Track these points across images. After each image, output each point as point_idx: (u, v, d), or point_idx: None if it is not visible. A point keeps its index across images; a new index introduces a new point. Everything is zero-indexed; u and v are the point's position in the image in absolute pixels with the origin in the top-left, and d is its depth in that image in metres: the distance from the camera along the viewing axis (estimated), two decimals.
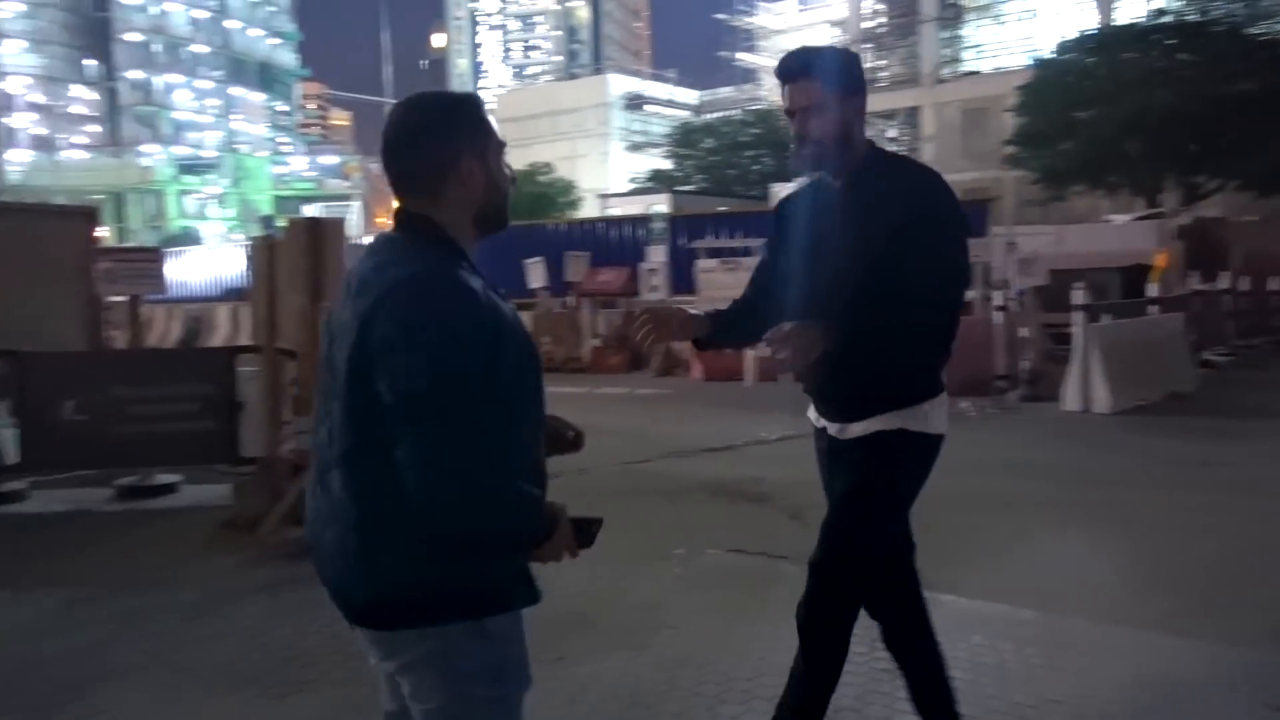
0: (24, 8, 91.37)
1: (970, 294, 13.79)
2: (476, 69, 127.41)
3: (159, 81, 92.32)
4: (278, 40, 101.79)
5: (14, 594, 4.71)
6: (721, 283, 13.82)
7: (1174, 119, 22.94)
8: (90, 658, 3.89)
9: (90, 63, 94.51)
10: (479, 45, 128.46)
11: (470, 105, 1.77)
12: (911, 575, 2.84)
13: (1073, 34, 28.88)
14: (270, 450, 6.05)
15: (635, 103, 73.34)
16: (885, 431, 2.54)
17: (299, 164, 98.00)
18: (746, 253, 15.16)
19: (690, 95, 79.33)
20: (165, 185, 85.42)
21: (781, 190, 29.10)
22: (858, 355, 2.39)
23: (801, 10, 62.81)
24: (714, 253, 16.41)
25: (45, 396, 6.67)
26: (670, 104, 74.93)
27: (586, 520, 1.76)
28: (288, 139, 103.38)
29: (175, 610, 4.37)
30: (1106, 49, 26.16)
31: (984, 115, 37.89)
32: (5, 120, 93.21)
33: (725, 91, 74.24)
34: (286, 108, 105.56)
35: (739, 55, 62.86)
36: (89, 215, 11.25)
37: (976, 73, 43.59)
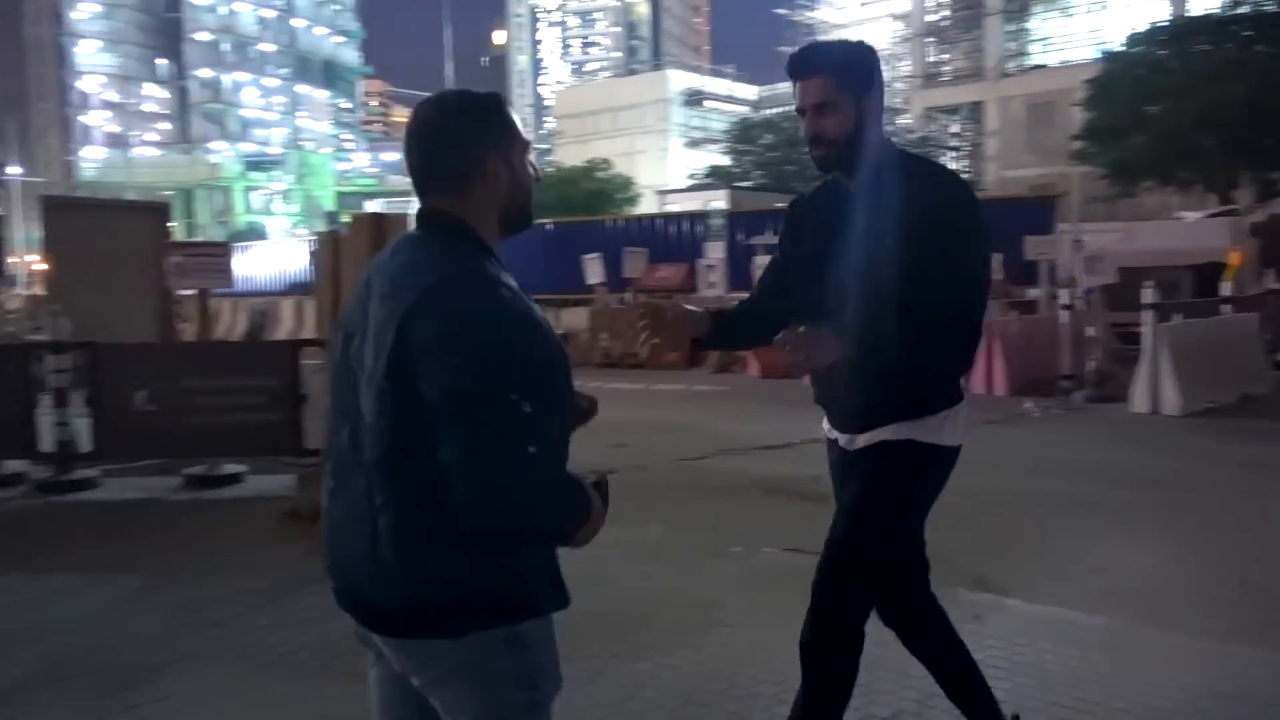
0: (100, 9, 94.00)
1: (1036, 292, 13.58)
2: (536, 66, 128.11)
3: (227, 80, 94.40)
4: (342, 38, 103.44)
5: (87, 579, 4.85)
6: None
7: (1249, 112, 22.29)
8: (158, 643, 3.99)
9: (162, 62, 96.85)
10: (539, 42, 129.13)
11: (495, 105, 1.74)
12: (926, 594, 2.77)
13: (1144, 26, 28.18)
14: None
15: (694, 98, 73.24)
16: (892, 442, 2.44)
17: (361, 160, 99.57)
18: None
19: (749, 91, 78.94)
20: (232, 181, 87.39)
21: None
22: (870, 364, 2.30)
23: (863, 4, 62.19)
24: (772, 249, 16.26)
25: (118, 387, 6.86)
26: (729, 100, 74.68)
27: (601, 484, 1.72)
28: (351, 136, 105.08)
29: (239, 598, 4.46)
30: (1179, 40, 25.50)
31: (1050, 110, 37.18)
32: (81, 118, 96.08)
33: (785, 87, 72.86)
34: (350, 105, 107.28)
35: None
36: (161, 211, 11.57)
37: (1043, 66, 42.73)
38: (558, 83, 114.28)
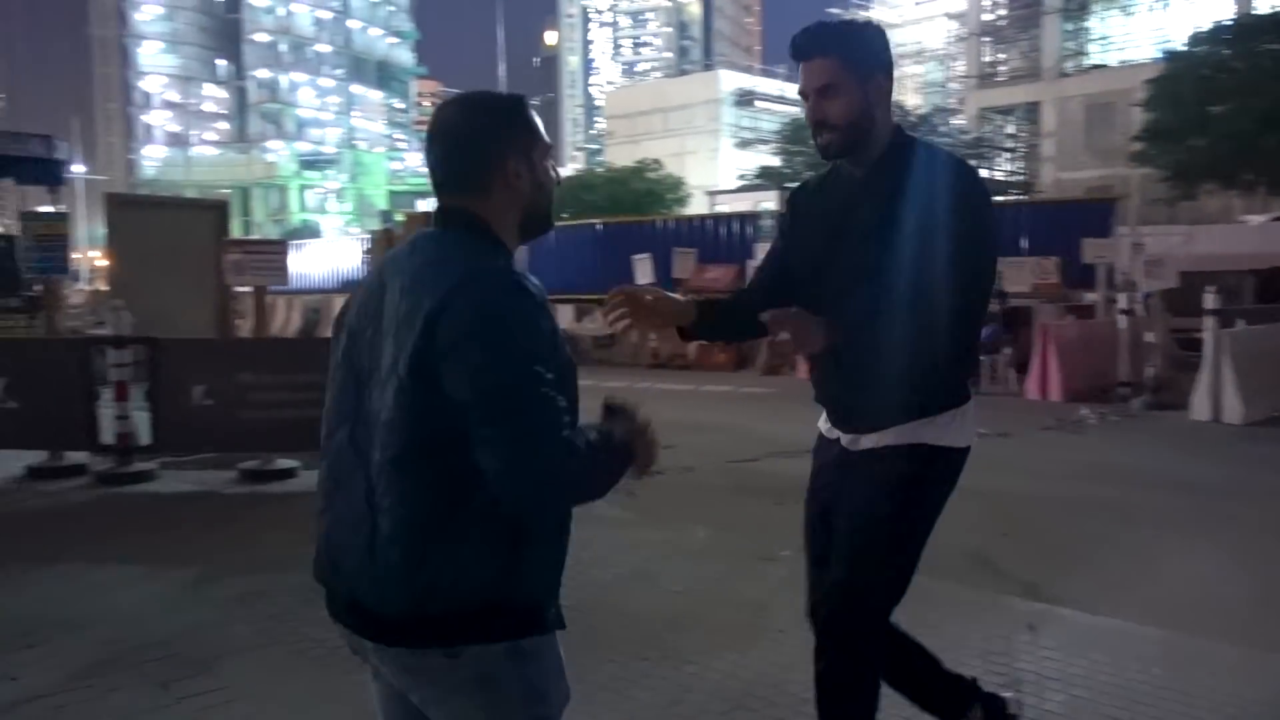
0: (162, 10, 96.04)
1: (1093, 296, 13.33)
2: (587, 66, 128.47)
3: (284, 80, 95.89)
4: (396, 39, 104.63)
5: (145, 569, 4.95)
6: None
7: None
8: (212, 634, 4.06)
9: (221, 62, 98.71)
10: (590, 42, 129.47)
11: (519, 106, 1.73)
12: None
13: (1207, 24, 27.53)
14: None
15: (745, 99, 72.98)
16: (901, 446, 2.30)
17: (414, 160, 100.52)
18: None
19: None
20: (288, 180, 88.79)
21: None
22: (871, 360, 2.22)
23: (918, 4, 61.53)
24: None
25: (177, 382, 7.00)
26: (780, 100, 74.20)
27: (622, 411, 1.69)
28: (404, 135, 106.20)
29: (291, 592, 4.52)
30: (1244, 40, 24.83)
31: (1109, 110, 36.52)
32: (143, 117, 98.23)
33: None
34: (403, 105, 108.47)
35: None
36: (220, 209, 11.78)
37: (1103, 66, 41.95)
38: (609, 83, 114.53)
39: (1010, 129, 43.86)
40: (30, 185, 13.56)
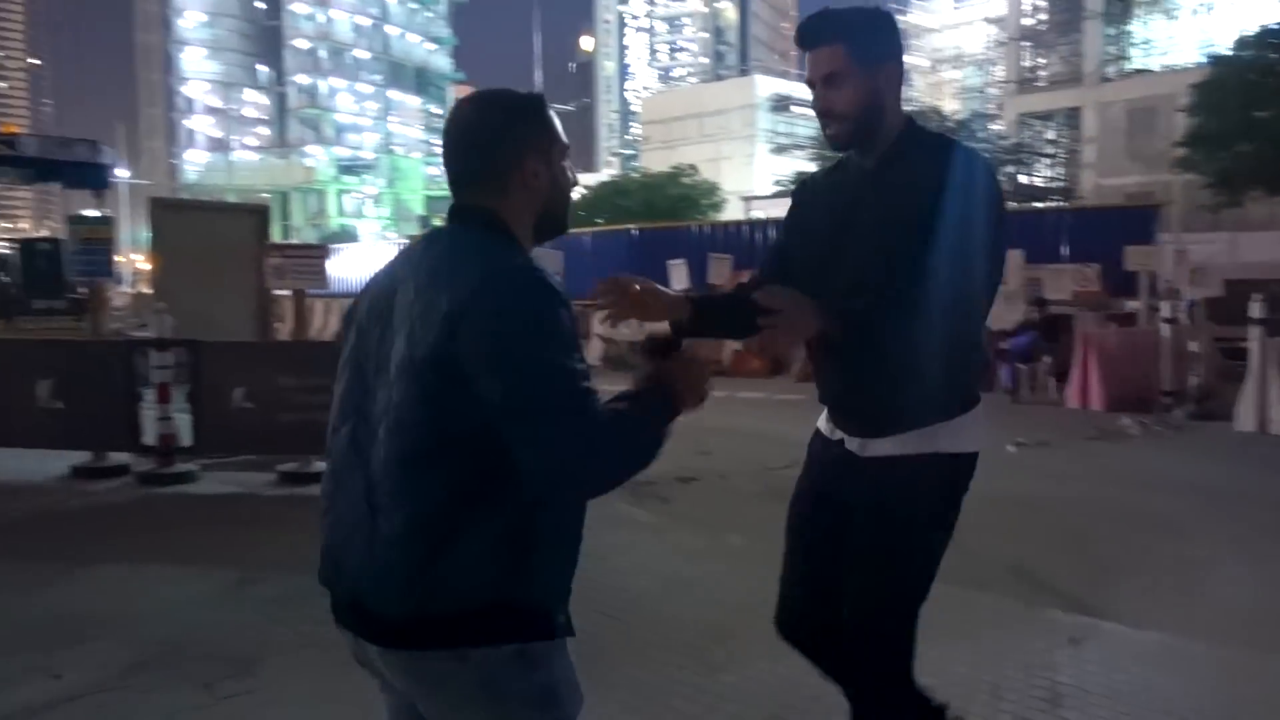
0: (205, 18, 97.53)
1: (1135, 304, 13.14)
2: (623, 71, 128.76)
3: (323, 86, 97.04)
4: (434, 46, 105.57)
5: (186, 570, 5.01)
6: None
7: None
8: (252, 636, 4.09)
9: (262, 68, 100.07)
10: (626, 48, 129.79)
11: (538, 105, 1.70)
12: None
13: (1253, 28, 27.07)
14: None
15: (781, 104, 72.70)
16: (917, 456, 2.20)
17: None
18: None
19: None
20: (326, 185, 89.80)
21: None
22: (881, 360, 2.14)
23: (956, 8, 61.08)
24: None
25: (217, 384, 7.08)
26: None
27: (664, 343, 1.66)
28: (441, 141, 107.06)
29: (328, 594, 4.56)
30: None
31: (1152, 116, 35.99)
32: (185, 122, 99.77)
33: None
34: (440, 111, 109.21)
35: None
36: (262, 213, 11.90)
37: (1145, 71, 41.39)
38: (644, 89, 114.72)
39: (1050, 134, 43.36)
40: (76, 189, 13.82)
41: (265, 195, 66.14)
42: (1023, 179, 37.43)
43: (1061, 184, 39.57)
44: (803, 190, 2.52)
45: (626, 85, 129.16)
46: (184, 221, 10.95)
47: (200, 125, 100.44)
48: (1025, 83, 45.28)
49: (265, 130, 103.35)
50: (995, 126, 41.97)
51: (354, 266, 28.13)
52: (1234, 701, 3.45)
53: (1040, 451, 8.37)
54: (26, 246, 12.84)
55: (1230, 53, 26.35)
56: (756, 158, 65.15)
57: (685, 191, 39.73)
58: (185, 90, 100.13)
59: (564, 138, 1.73)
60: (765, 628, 4.17)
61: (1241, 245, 15.43)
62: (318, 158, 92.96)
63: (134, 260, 40.78)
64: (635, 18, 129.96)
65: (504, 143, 1.66)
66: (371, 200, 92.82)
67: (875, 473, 2.25)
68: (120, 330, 11.96)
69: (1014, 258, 15.41)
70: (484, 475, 1.50)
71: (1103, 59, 42.72)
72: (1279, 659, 3.86)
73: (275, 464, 7.24)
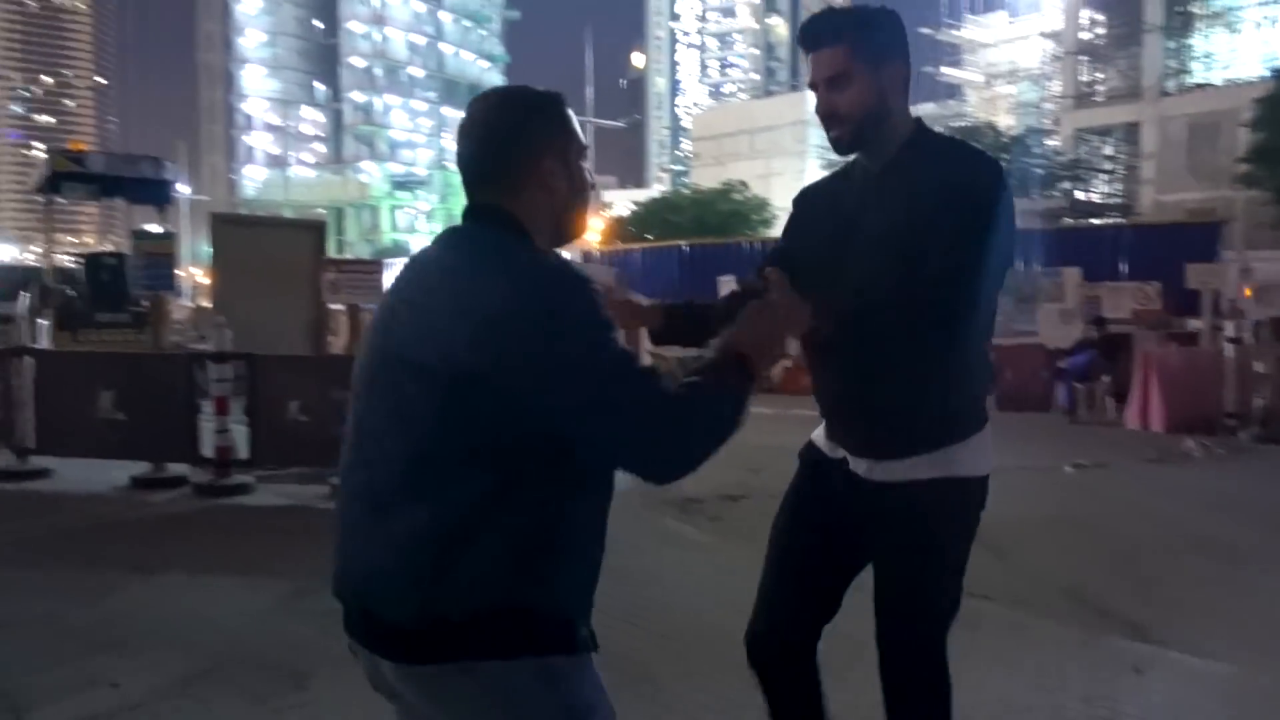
0: (265, 37, 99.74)
1: (1197, 323, 12.85)
2: (674, 88, 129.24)
3: (378, 103, 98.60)
4: (487, 63, 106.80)
5: (242, 581, 5.07)
6: None
7: None
8: (305, 648, 4.11)
9: (319, 86, 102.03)
10: (677, 64, 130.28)
11: (554, 102, 1.65)
12: (816, 643, 2.41)
13: None
14: None
15: None
16: (932, 481, 2.09)
17: None
18: None
19: None
20: (380, 200, 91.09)
21: None
22: (884, 376, 2.05)
23: (1011, 23, 60.41)
24: None
25: (274, 397, 7.18)
26: None
27: (752, 294, 1.61)
28: None
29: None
30: None
31: (1214, 131, 35.22)
32: (245, 139, 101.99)
33: (927, 108, 72.03)
34: None
35: (944, 69, 61.04)
36: (319, 229, 12.10)
37: (1207, 85, 40.57)
38: (694, 105, 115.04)
39: (1108, 150, 42.65)
40: (140, 205, 14.17)
41: (321, 210, 67.23)
42: (1080, 195, 36.87)
43: (1119, 200, 38.91)
44: (804, 197, 2.44)
45: (677, 101, 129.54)
46: (244, 237, 11.16)
47: (259, 142, 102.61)
48: (1082, 97, 44.61)
49: (321, 147, 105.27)
50: (1051, 142, 41.40)
51: None
52: None
53: (1099, 473, 8.19)
54: (92, 261, 13.13)
55: None
56: (807, 174, 64.83)
57: (736, 207, 39.67)
58: (245, 107, 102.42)
59: (582, 137, 1.67)
60: (823, 646, 4.10)
61: None
62: (372, 174, 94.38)
63: (193, 274, 41.64)
64: (686, 34, 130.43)
65: (521, 140, 1.60)
66: (424, 216, 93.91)
67: (893, 502, 2.14)
68: (179, 343, 12.19)
69: (1072, 275, 15.19)
70: (504, 481, 1.45)
71: (1163, 73, 41.94)
72: None
73: (328, 476, 7.31)
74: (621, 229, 38.80)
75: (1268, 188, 25.49)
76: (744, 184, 42.22)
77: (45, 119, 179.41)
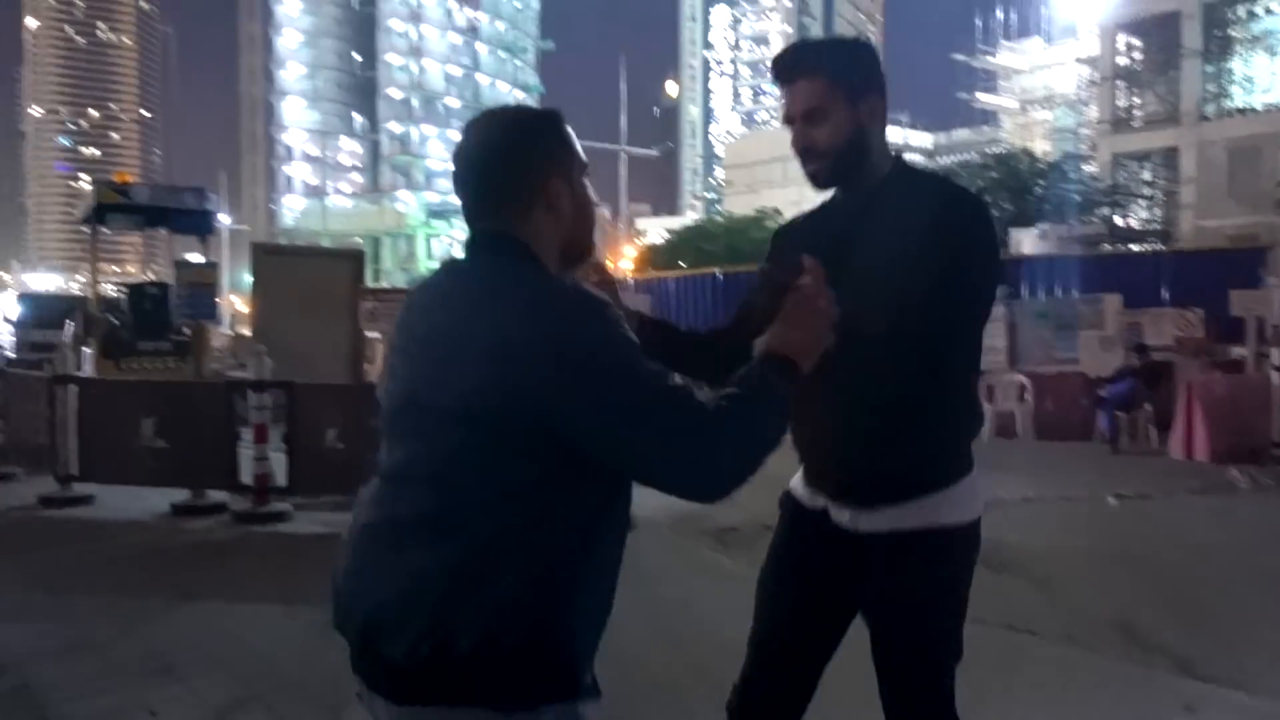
0: (305, 70, 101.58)
1: (1242, 350, 12.62)
2: (707, 116, 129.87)
3: (415, 133, 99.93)
4: (523, 93, 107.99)
5: (279, 609, 5.08)
6: None
7: None
8: (338, 679, 4.10)
9: (357, 117, 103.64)
10: (710, 93, 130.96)
11: (554, 121, 1.60)
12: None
13: None
14: None
15: None
16: (922, 533, 1.98)
17: None
18: None
19: (924, 139, 77.56)
20: (415, 230, 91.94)
21: (1023, 237, 27.70)
22: (868, 419, 1.96)
23: (1047, 48, 60.19)
24: None
25: (312, 425, 7.23)
26: (904, 148, 73.56)
27: (775, 280, 1.56)
28: None
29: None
30: None
31: (1254, 155, 34.77)
32: (284, 169, 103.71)
33: (961, 134, 72.01)
34: None
35: (979, 95, 60.88)
36: (357, 258, 12.22)
37: (1247, 109, 40.12)
38: (727, 133, 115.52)
39: (1146, 175, 42.25)
40: (183, 235, 14.41)
41: (358, 240, 68.02)
42: (1119, 221, 36.50)
43: (1158, 226, 38.48)
44: (783, 234, 2.37)
45: (710, 129, 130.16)
46: (284, 266, 11.29)
47: (298, 172, 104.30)
48: (1120, 122, 44.29)
49: (359, 177, 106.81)
50: (1089, 168, 41.12)
51: None
52: None
53: (1142, 504, 8.04)
54: (135, 290, 13.35)
55: None
56: None
57: (768, 235, 39.54)
58: (285, 139, 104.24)
59: (583, 155, 1.62)
60: (854, 677, 4.05)
61: None
62: (408, 203, 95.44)
63: (233, 302, 42.23)
64: (720, 63, 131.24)
65: (526, 162, 1.55)
66: (459, 244, 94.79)
67: (879, 556, 2.04)
68: (219, 371, 12.34)
69: (1112, 302, 15.01)
70: (528, 519, 1.41)
71: (1201, 97, 41.56)
72: None
73: None
74: (655, 256, 38.89)
75: None
76: (777, 211, 42.17)
77: (92, 152, 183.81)
